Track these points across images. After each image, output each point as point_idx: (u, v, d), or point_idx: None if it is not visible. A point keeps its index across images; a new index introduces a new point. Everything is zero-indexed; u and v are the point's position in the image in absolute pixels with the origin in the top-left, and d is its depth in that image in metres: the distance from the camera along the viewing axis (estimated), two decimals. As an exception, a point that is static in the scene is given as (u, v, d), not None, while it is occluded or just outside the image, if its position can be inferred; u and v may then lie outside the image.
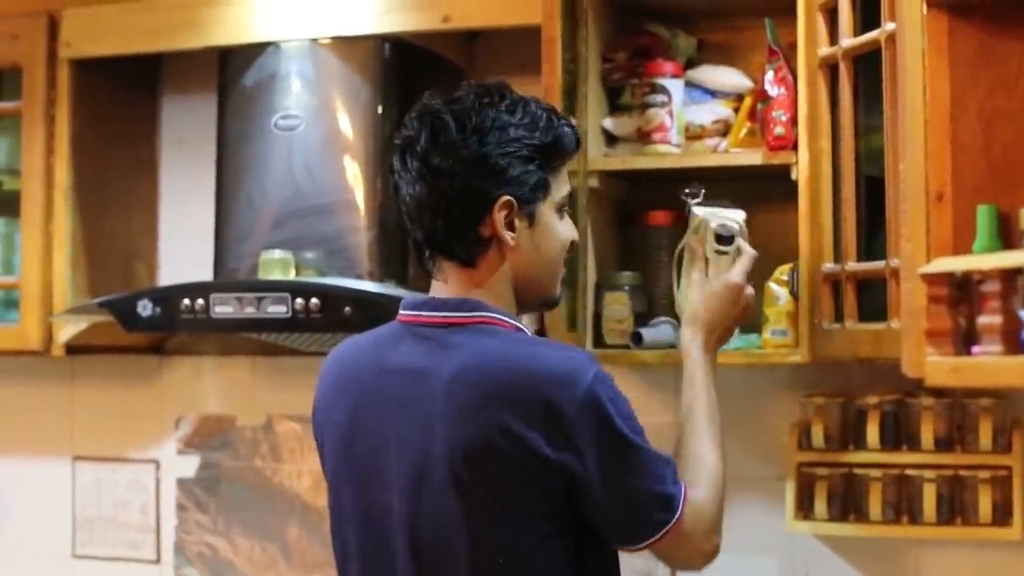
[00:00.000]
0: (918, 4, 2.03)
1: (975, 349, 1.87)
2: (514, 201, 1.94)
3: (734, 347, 2.58)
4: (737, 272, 2.23)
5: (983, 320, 1.85)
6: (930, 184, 2.00)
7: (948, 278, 1.90)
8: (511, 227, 1.95)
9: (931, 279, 1.92)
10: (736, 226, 2.28)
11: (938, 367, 1.90)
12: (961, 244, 1.98)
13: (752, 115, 2.76)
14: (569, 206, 2.08)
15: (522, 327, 2.02)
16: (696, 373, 2.15)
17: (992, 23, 2.03)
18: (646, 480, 1.90)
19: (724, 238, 2.26)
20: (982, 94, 2.03)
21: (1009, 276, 1.82)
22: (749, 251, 2.25)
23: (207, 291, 2.89)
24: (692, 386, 2.13)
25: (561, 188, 2.02)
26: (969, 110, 2.02)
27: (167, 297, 2.93)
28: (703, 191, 2.36)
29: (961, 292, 1.90)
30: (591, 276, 2.81)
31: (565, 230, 2.05)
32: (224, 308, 2.87)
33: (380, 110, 3.03)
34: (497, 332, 1.95)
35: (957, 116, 2.02)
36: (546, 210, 1.99)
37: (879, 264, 2.35)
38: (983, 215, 1.95)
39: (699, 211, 2.32)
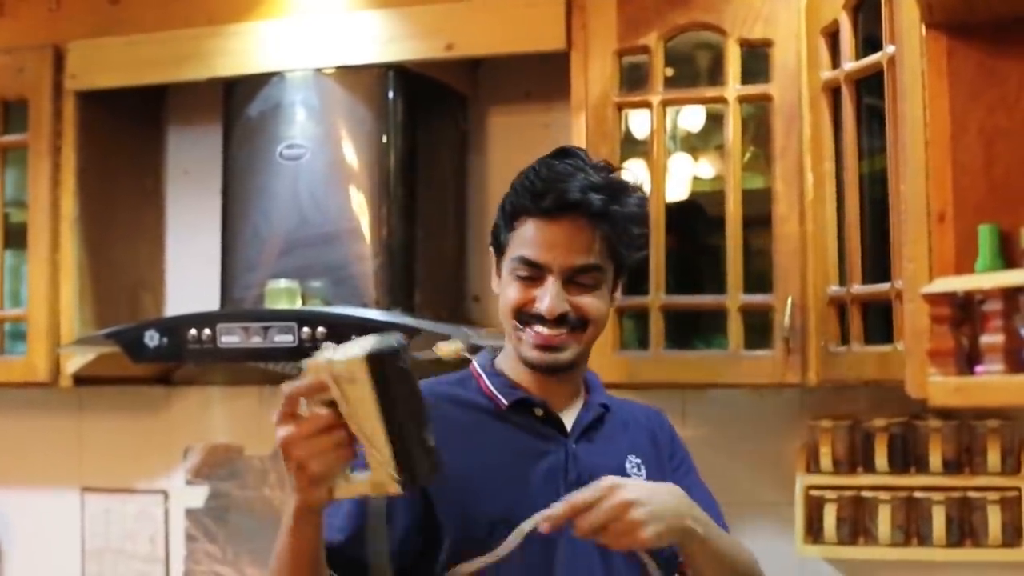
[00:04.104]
0: (917, 25, 2.03)
1: (978, 368, 1.87)
2: (491, 250, 1.96)
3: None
4: None
5: (985, 339, 1.84)
6: (931, 204, 2.01)
7: (950, 298, 1.90)
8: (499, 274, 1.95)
9: (933, 299, 1.92)
10: None
11: (941, 387, 1.89)
12: (963, 264, 1.98)
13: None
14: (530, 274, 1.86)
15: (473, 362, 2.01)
16: None
17: (991, 43, 2.03)
18: None
19: None
20: (982, 114, 2.03)
21: (1011, 295, 1.82)
22: None
23: (214, 321, 2.90)
24: None
25: (516, 249, 1.86)
26: (969, 130, 2.02)
27: (174, 328, 2.94)
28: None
29: (963, 312, 1.90)
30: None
31: (509, 291, 1.88)
32: (231, 338, 2.88)
33: (385, 139, 3.03)
34: None
35: (958, 136, 2.02)
36: (504, 266, 1.91)
37: (884, 286, 2.35)
38: (985, 235, 1.95)
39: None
